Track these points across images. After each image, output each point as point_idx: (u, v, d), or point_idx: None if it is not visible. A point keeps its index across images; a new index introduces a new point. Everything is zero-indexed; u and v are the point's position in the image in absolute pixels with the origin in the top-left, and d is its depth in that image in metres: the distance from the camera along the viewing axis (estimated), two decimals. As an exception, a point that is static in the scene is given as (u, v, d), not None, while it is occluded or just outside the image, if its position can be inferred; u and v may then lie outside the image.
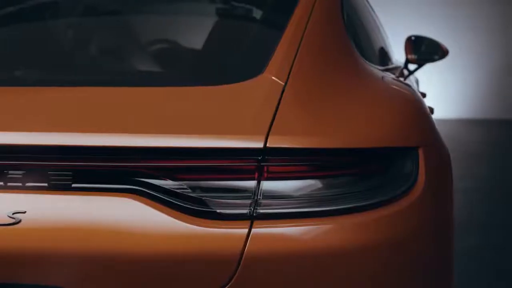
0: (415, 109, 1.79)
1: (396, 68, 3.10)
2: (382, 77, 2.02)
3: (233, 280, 1.35)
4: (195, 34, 2.15)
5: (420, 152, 1.56)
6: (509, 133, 8.13)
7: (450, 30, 7.06)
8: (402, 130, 1.59)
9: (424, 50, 3.60)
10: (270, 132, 1.39)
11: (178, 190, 1.37)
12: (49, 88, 1.65)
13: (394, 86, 1.97)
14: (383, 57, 2.90)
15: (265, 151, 1.37)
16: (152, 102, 1.52)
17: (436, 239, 1.58)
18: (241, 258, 1.34)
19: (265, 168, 1.38)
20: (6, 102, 1.58)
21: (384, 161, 1.49)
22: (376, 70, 2.06)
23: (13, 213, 1.36)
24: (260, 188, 1.38)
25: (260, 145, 1.37)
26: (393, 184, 1.48)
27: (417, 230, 1.50)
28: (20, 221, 1.36)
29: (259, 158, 1.37)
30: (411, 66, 3.72)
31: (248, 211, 1.37)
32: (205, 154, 1.38)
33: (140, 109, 1.50)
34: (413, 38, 3.63)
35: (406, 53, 3.59)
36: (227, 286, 1.35)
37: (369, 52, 2.42)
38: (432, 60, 3.64)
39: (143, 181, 1.38)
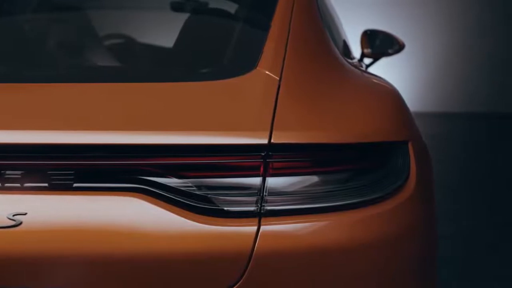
0: (400, 103, 1.81)
1: (357, 62, 3.13)
2: (361, 71, 2.04)
3: (242, 279, 1.33)
4: (177, 31, 2.12)
5: (410, 147, 1.57)
6: (443, 125, 8.32)
7: (394, 29, 7.16)
8: (395, 124, 1.60)
9: (378, 44, 3.65)
10: (273, 128, 1.37)
11: (183, 188, 1.34)
12: (48, 84, 1.59)
13: (375, 81, 1.99)
14: (348, 51, 2.92)
15: (270, 147, 1.36)
16: (151, 98, 1.49)
17: (428, 234, 1.59)
18: (251, 256, 1.32)
19: (271, 164, 1.36)
20: (2, 100, 1.52)
21: (385, 155, 1.50)
22: (352, 64, 2.07)
23: (14, 215, 1.31)
24: (266, 184, 1.36)
25: (264, 141, 1.35)
26: (392, 178, 1.49)
27: (414, 224, 1.51)
28: (21, 223, 1.31)
29: (264, 154, 1.36)
30: (367, 60, 3.77)
31: (255, 208, 1.35)
32: (210, 151, 1.35)
33: (141, 105, 1.46)
34: (368, 32, 3.66)
35: (362, 47, 3.62)
36: (237, 285, 1.33)
37: (340, 47, 2.43)
38: (387, 54, 3.68)
39: (147, 179, 1.34)
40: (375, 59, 3.74)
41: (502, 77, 8.77)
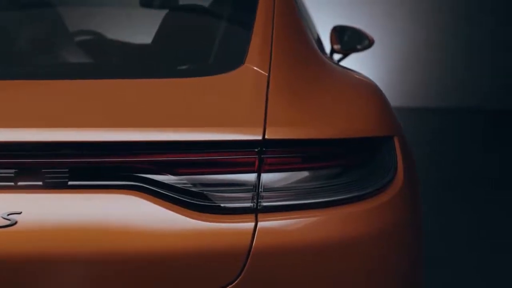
0: (383, 98, 1.82)
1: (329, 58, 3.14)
2: (341, 67, 2.05)
3: (241, 276, 1.32)
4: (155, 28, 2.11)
5: (395, 141, 1.58)
6: (407, 120, 8.39)
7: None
8: (382, 119, 1.62)
9: (347, 40, 3.65)
10: (267, 124, 1.37)
11: (179, 185, 1.34)
12: (41, 81, 1.56)
13: (357, 76, 2.00)
14: (322, 47, 2.93)
15: (264, 143, 1.36)
16: (143, 95, 1.48)
17: (416, 230, 1.61)
18: (249, 252, 1.32)
19: (265, 160, 1.36)
20: None
21: (376, 149, 1.51)
22: (330, 60, 2.08)
23: (8, 214, 1.29)
24: (261, 180, 1.36)
25: (259, 137, 1.35)
26: (382, 172, 1.50)
27: (404, 218, 1.52)
28: (16, 222, 1.29)
29: (258, 150, 1.36)
30: (337, 56, 3.78)
31: (251, 204, 1.35)
32: (204, 147, 1.35)
33: (134, 102, 1.45)
34: (338, 28, 3.67)
35: (332, 43, 3.63)
36: (235, 282, 1.33)
37: (317, 43, 2.44)
38: (356, 50, 3.69)
39: (142, 176, 1.33)
40: (345, 55, 3.76)
41: (464, 71, 8.90)
